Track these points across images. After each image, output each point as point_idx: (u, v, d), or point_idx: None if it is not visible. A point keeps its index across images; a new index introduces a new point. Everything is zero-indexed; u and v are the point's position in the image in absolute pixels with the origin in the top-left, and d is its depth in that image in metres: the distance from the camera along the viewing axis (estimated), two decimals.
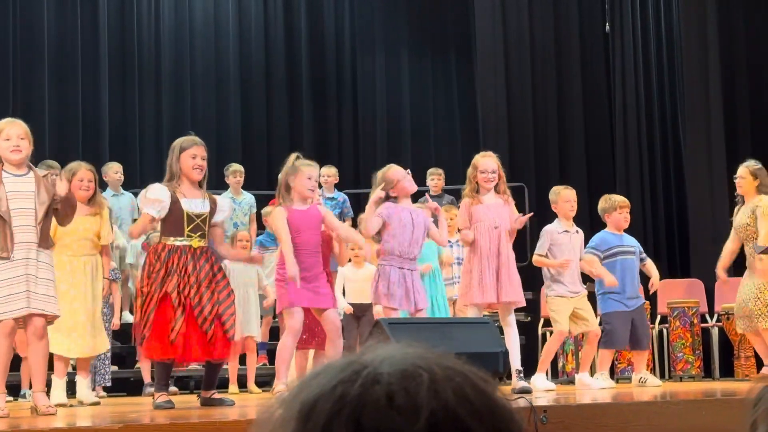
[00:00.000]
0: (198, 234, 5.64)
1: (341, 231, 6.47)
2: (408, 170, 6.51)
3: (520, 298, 6.62)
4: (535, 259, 7.30)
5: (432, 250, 7.69)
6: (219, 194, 6.85)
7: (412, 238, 6.28)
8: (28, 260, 5.17)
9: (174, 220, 5.63)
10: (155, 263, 5.57)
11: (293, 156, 6.22)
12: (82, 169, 6.59)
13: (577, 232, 7.34)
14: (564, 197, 7.35)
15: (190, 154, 5.74)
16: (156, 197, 5.64)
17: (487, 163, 6.64)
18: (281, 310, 6.13)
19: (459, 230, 6.78)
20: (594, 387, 7.02)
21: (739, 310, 7.50)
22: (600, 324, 7.51)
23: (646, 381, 7.38)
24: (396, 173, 6.39)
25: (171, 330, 5.46)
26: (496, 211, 6.58)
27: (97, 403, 6.48)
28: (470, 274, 6.57)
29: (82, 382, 6.63)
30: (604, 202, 7.68)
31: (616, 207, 7.58)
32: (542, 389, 6.78)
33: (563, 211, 7.31)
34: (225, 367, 8.35)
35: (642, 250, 7.73)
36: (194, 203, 5.68)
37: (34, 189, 5.27)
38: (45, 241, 5.29)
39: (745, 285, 7.48)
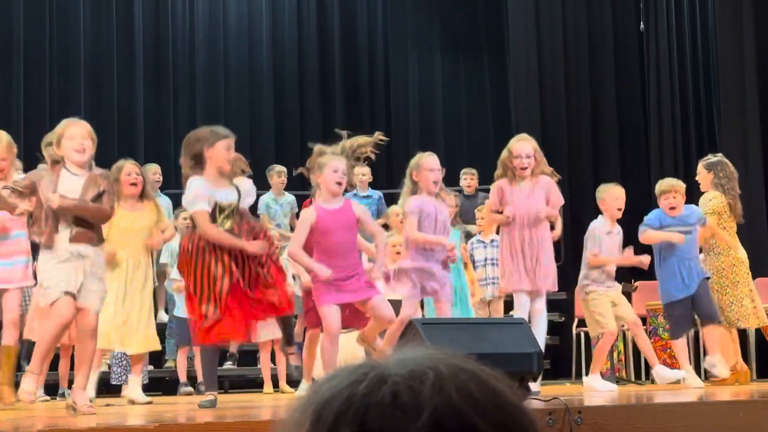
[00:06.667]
0: (230, 222, 5.43)
1: (377, 238, 6.00)
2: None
3: (553, 287, 6.53)
4: (591, 260, 7.10)
5: (455, 239, 7.62)
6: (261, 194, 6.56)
7: (436, 232, 6.12)
8: (81, 257, 5.14)
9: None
10: (195, 250, 5.39)
11: (316, 150, 5.88)
12: (128, 164, 6.66)
13: (618, 233, 7.20)
14: (613, 195, 7.17)
15: (225, 145, 5.44)
16: (203, 192, 5.39)
17: (521, 147, 6.51)
18: (318, 307, 5.75)
19: (499, 211, 6.53)
20: (600, 390, 6.84)
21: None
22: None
23: (685, 380, 7.21)
24: (424, 163, 6.18)
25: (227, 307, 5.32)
26: (531, 197, 6.43)
27: (149, 403, 6.39)
28: (510, 261, 6.46)
29: (135, 380, 6.60)
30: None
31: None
32: (602, 390, 6.76)
33: (610, 210, 7.13)
34: (258, 367, 8.42)
35: (700, 217, 7.41)
36: (223, 193, 5.45)
37: (80, 189, 5.17)
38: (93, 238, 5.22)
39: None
